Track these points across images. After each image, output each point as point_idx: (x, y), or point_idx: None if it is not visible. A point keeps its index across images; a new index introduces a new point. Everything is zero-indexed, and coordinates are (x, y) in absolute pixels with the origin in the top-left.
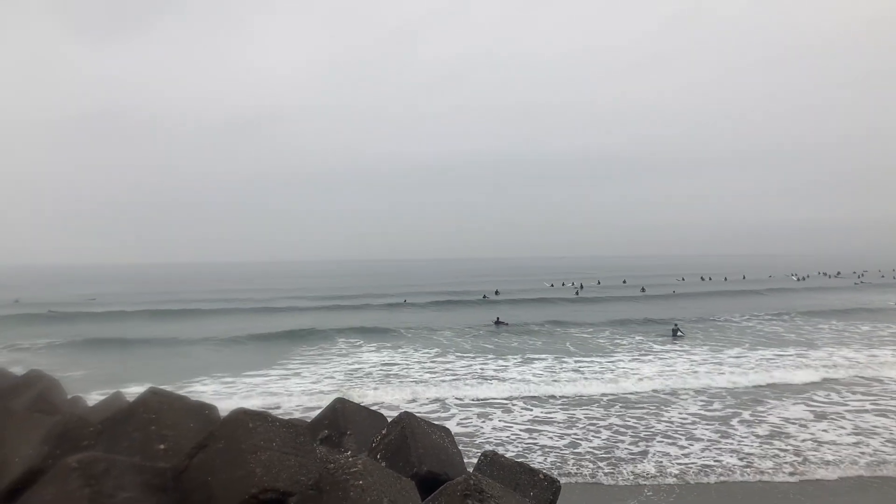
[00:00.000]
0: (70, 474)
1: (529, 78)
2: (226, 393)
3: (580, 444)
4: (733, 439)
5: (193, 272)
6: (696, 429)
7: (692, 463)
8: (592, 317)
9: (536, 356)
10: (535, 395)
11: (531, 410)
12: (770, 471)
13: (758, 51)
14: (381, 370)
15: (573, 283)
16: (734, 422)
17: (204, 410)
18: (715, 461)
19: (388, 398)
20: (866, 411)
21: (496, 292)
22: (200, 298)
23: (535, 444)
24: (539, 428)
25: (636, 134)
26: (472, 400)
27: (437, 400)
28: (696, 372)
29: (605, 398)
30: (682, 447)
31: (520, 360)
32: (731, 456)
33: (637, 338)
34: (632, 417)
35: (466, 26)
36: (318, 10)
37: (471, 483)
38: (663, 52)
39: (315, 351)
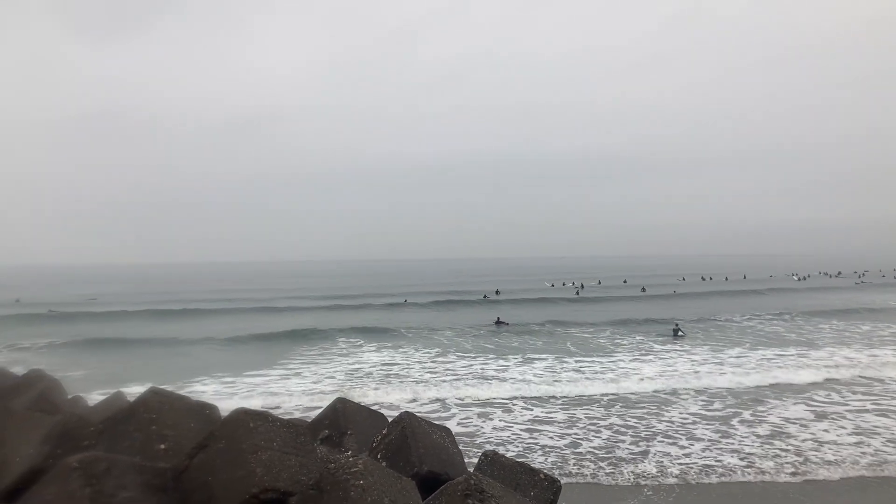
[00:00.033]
0: (71, 474)
1: (529, 78)
2: (226, 393)
3: (581, 444)
4: (734, 439)
5: (193, 272)
6: (696, 429)
7: (693, 463)
8: (593, 317)
9: (537, 356)
10: (536, 394)
11: (532, 410)
12: (771, 471)
13: (758, 51)
14: (382, 370)
15: (574, 283)
16: (735, 421)
17: (204, 410)
18: (716, 461)
19: (389, 398)
20: (867, 411)
21: (497, 292)
22: (201, 298)
23: (535, 443)
24: (539, 428)
25: (636, 134)
26: (473, 400)
27: (437, 400)
28: (696, 372)
29: (605, 398)
30: (683, 447)
31: (520, 359)
32: (732, 456)
33: (638, 337)
34: (632, 417)
35: (466, 26)
36: (318, 10)
37: (471, 483)
38: (663, 52)
39: (316, 351)
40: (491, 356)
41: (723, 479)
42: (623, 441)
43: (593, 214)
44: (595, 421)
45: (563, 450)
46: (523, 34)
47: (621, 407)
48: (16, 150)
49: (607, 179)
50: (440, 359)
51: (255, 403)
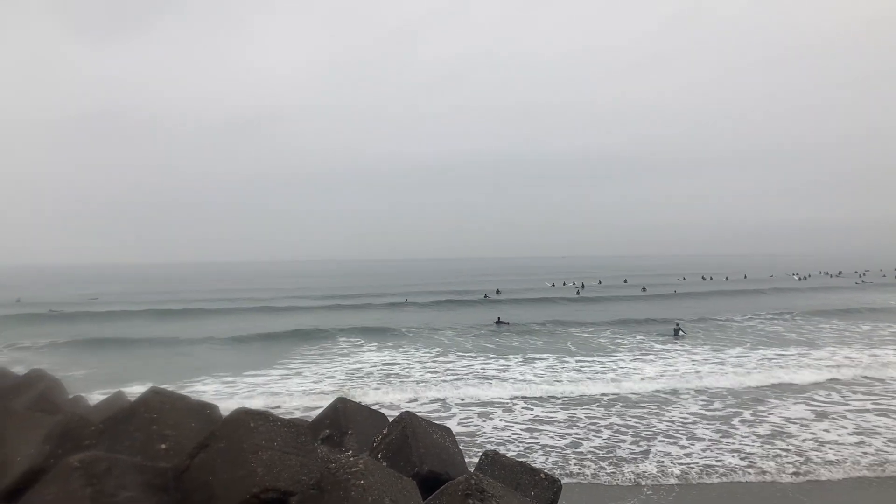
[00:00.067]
0: (72, 474)
1: (529, 78)
2: (227, 392)
3: (581, 444)
4: (734, 439)
5: (194, 272)
6: (697, 428)
7: (694, 463)
8: (593, 316)
9: (537, 356)
10: (537, 394)
11: (532, 410)
12: (772, 471)
13: (758, 51)
14: (383, 370)
15: (574, 283)
16: (735, 421)
17: (205, 410)
18: (717, 461)
19: (390, 398)
20: (868, 411)
21: (497, 292)
22: (201, 298)
23: (536, 443)
24: (540, 427)
25: (636, 134)
26: (473, 400)
27: (438, 399)
28: (697, 372)
29: (606, 398)
30: (684, 447)
31: (521, 359)
32: (733, 456)
33: (638, 337)
34: (633, 417)
35: (466, 26)
36: (318, 10)
37: (472, 482)
38: (663, 52)
39: (316, 350)
40: (491, 356)
41: (724, 479)
42: (624, 441)
43: (593, 214)
44: (596, 421)
45: (563, 449)
46: (523, 34)
47: (622, 407)
48: (16, 150)
49: (607, 179)
50: (441, 358)
51: (256, 403)
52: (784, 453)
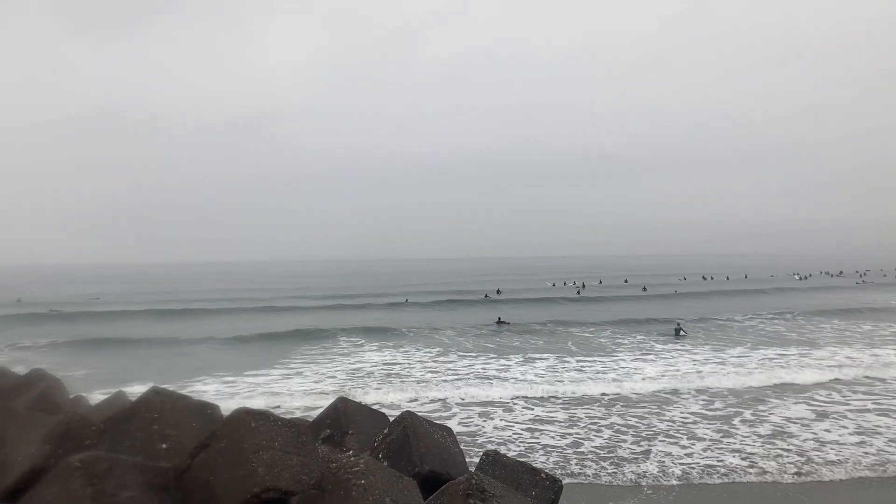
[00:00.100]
0: (72, 473)
1: (529, 78)
2: (227, 392)
3: (582, 444)
4: (735, 439)
5: (194, 272)
6: (697, 428)
7: (695, 463)
8: (594, 316)
9: (538, 355)
10: (537, 394)
11: (533, 410)
12: (773, 471)
13: (758, 51)
14: (383, 370)
15: (575, 283)
16: (736, 421)
17: (206, 410)
18: (717, 461)
19: (390, 398)
20: (868, 411)
21: (498, 292)
22: (202, 298)
23: (537, 443)
24: (541, 427)
25: (636, 134)
26: (474, 399)
27: (438, 399)
28: (698, 371)
29: (606, 397)
30: (685, 447)
31: (521, 359)
32: (734, 456)
33: (639, 337)
34: (634, 417)
35: (466, 26)
36: (318, 10)
37: (473, 482)
38: (663, 52)
39: (317, 350)
40: (492, 356)
41: (725, 479)
42: (625, 441)
43: (593, 214)
44: (596, 420)
45: (564, 449)
46: (523, 34)
47: (623, 406)
48: (16, 150)
49: (607, 179)
50: (441, 358)
51: (257, 403)
52: (785, 453)
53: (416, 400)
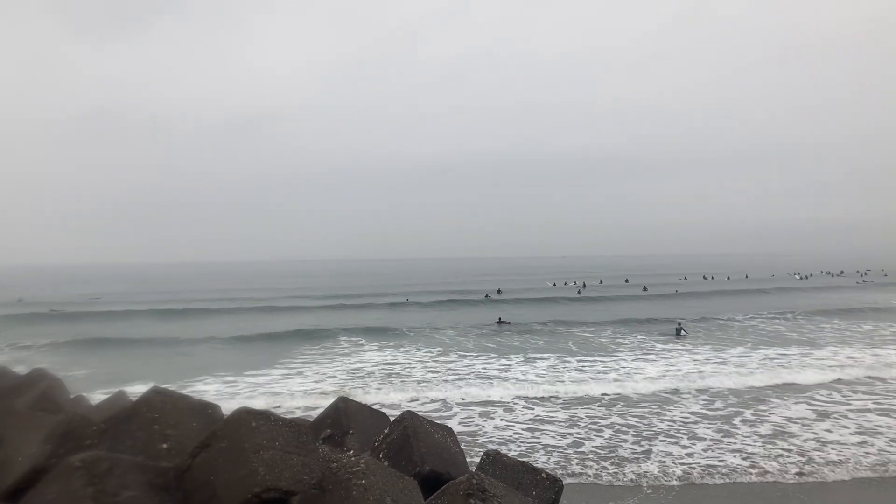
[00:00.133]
0: (73, 473)
1: (529, 78)
2: (228, 392)
3: (583, 444)
4: (736, 438)
5: (194, 272)
6: (698, 428)
7: (695, 463)
8: (595, 316)
9: (539, 355)
10: (538, 394)
11: (533, 409)
12: (774, 471)
13: (758, 51)
14: (384, 369)
15: (575, 283)
16: (737, 421)
17: (207, 410)
18: (718, 461)
19: (391, 397)
20: (869, 410)
21: (498, 291)
22: (202, 298)
23: (537, 443)
24: (541, 427)
25: (636, 134)
26: (475, 399)
27: (439, 399)
28: (699, 371)
29: (607, 397)
30: (685, 446)
31: (522, 359)
32: (735, 456)
33: (639, 337)
34: (634, 417)
35: (466, 26)
36: (317, 10)
37: (473, 482)
38: (663, 52)
39: (317, 350)
40: (493, 355)
41: (725, 479)
42: (625, 440)
43: (593, 214)
44: (597, 420)
45: (565, 449)
46: (523, 34)
47: (623, 406)
48: (16, 150)
49: (607, 179)
50: (442, 358)
51: (257, 403)
52: (786, 453)
53: (416, 400)
